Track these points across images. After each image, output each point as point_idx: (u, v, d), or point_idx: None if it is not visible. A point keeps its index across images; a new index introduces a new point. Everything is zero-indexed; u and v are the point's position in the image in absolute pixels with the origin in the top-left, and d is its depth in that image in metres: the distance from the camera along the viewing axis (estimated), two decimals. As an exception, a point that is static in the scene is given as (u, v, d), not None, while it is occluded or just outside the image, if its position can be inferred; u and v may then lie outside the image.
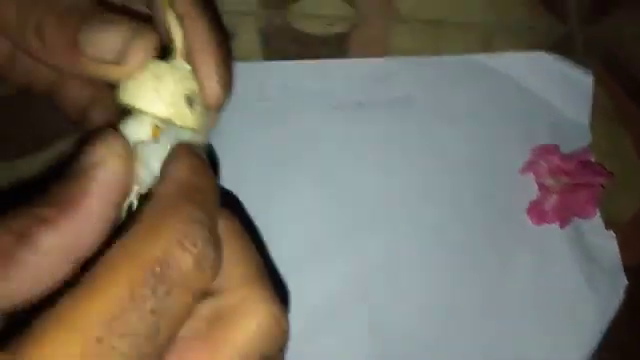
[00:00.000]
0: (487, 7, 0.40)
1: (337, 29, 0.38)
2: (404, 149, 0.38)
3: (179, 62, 0.20)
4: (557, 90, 0.38)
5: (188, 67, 0.20)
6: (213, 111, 0.22)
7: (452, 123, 0.38)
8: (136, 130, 0.19)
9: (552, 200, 0.36)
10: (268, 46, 0.38)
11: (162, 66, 0.20)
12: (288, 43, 0.38)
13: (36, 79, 0.26)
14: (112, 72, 0.19)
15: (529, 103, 0.39)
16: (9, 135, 0.35)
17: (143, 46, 0.19)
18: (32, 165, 0.35)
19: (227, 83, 0.22)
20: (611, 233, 0.37)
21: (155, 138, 0.19)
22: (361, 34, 0.38)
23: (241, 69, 0.37)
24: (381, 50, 0.38)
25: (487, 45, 0.39)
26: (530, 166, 0.37)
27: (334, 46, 0.38)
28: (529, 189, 0.37)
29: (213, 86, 0.21)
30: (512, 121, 0.38)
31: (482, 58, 0.39)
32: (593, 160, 0.38)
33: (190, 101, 0.20)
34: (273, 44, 0.38)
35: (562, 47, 0.40)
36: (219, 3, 0.38)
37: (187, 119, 0.20)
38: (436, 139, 0.38)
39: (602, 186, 0.36)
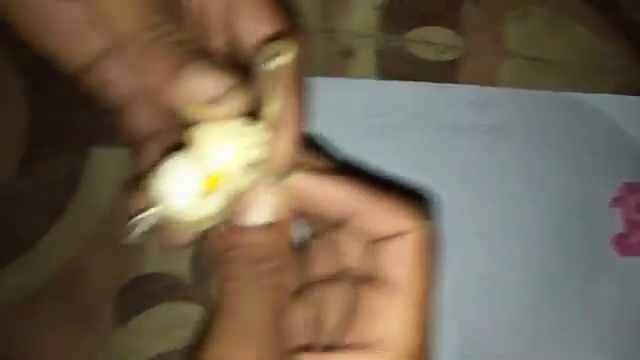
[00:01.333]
0: (585, 50, 0.43)
1: (448, 57, 0.42)
2: (498, 174, 0.41)
3: (260, 127, 0.21)
4: (646, 133, 0.41)
5: (266, 135, 0.21)
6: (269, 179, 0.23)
7: (545, 153, 0.41)
8: (183, 168, 0.21)
9: (638, 234, 0.39)
10: (383, 66, 0.42)
11: (243, 125, 0.21)
12: (402, 65, 0.42)
13: (112, 91, 0.27)
14: (198, 111, 0.20)
15: (618, 141, 0.42)
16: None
17: (236, 100, 0.20)
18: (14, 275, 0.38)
19: (293, 160, 0.23)
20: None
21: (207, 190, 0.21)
22: (469, 63, 0.42)
23: (356, 85, 0.41)
24: (487, 80, 0.42)
25: (582, 85, 0.42)
26: (617, 201, 0.40)
27: (444, 72, 0.42)
28: (616, 222, 0.40)
29: (282, 161, 0.23)
30: (602, 157, 0.41)
31: (578, 96, 0.42)
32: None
33: (249, 168, 0.21)
34: (388, 65, 0.42)
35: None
36: (340, 24, 0.42)
37: (236, 184, 0.21)
38: (529, 167, 0.41)
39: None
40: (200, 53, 0.21)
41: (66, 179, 0.40)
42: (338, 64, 0.41)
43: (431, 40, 0.42)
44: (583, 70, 0.43)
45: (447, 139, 0.41)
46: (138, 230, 0.21)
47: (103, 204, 0.39)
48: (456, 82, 0.42)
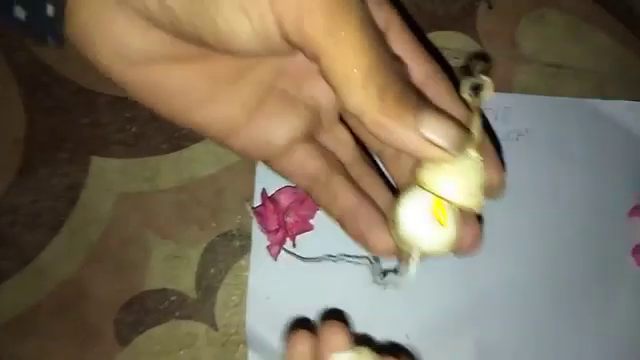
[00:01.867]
0: (602, 56, 0.42)
1: (462, 62, 0.40)
2: (516, 181, 0.40)
3: (473, 153, 0.21)
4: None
5: (481, 158, 0.22)
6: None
7: (563, 161, 0.40)
8: (416, 205, 0.22)
9: (658, 245, 0.38)
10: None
11: (462, 158, 0.21)
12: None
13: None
14: (428, 151, 0.20)
15: (636, 150, 0.40)
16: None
17: (465, 141, 0.21)
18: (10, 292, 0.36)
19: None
20: None
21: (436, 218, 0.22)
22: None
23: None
24: (503, 86, 0.40)
25: (600, 91, 0.41)
26: (636, 211, 0.39)
27: (458, 77, 0.40)
28: (634, 232, 0.39)
29: (499, 176, 0.24)
30: (620, 166, 0.40)
31: (596, 103, 0.41)
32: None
33: (482, 187, 0.22)
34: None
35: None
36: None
37: (476, 201, 0.21)
38: (547, 174, 0.40)
39: None
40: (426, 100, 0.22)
41: (65, 191, 0.38)
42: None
43: (446, 46, 0.40)
44: (601, 77, 0.41)
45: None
46: (411, 275, 0.22)
47: (104, 217, 0.37)
48: (471, 88, 0.40)
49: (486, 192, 0.22)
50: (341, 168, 0.26)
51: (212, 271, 0.38)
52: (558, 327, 0.38)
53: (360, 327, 0.37)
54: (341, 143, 0.27)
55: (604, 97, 0.41)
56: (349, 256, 0.36)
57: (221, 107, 0.24)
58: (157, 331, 0.37)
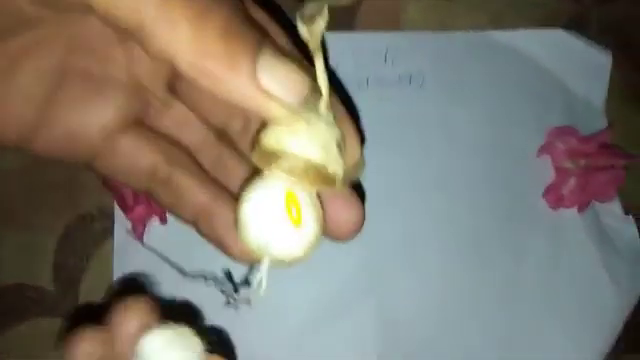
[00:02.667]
0: (499, -17, 0.38)
1: (344, 1, 0.36)
2: (412, 129, 0.36)
3: (323, 110, 0.17)
4: (573, 69, 0.37)
5: (332, 114, 0.17)
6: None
7: (463, 102, 0.36)
8: (262, 200, 0.17)
9: (570, 183, 0.34)
10: (269, 17, 0.36)
11: (309, 112, 0.17)
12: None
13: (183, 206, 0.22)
14: (270, 108, 0.16)
15: (543, 82, 0.37)
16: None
17: (309, 85, 0.16)
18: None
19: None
20: (630, 218, 0.35)
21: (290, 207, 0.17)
22: (369, 7, 0.36)
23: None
24: (390, 24, 0.36)
25: (497, 22, 0.37)
26: (546, 148, 0.35)
27: (341, 18, 0.36)
28: (545, 172, 0.35)
29: (355, 144, 0.19)
30: (526, 101, 0.36)
31: (495, 35, 0.37)
32: (611, 142, 0.36)
33: (340, 148, 0.17)
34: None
35: (575, 27, 0.38)
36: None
37: (339, 166, 0.17)
38: (447, 119, 0.36)
39: (624, 168, 0.34)
40: (268, 39, 0.17)
41: None
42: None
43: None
44: (497, 6, 0.37)
45: (351, 95, 0.36)
46: (260, 289, 0.18)
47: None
48: (354, 29, 0.36)
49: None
50: (186, 157, 0.21)
51: (71, 260, 0.33)
52: (467, 281, 0.34)
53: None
54: (183, 123, 0.22)
55: (502, 28, 0.37)
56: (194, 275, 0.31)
57: None
58: (16, 332, 0.32)
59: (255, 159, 0.17)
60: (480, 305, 0.34)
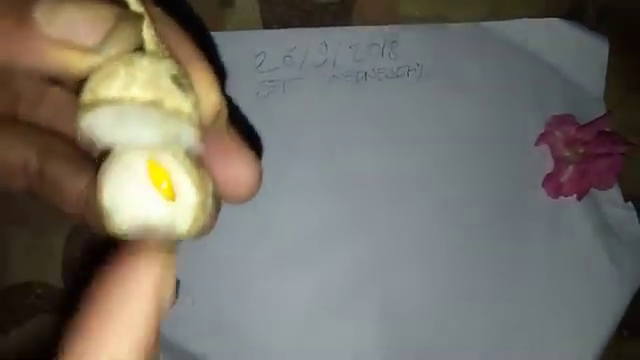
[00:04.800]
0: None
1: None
2: (411, 122, 0.36)
3: (149, 43, 0.14)
4: (571, 58, 0.37)
5: (167, 55, 0.14)
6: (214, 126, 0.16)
7: (463, 94, 0.36)
8: (124, 174, 0.14)
9: (569, 171, 0.35)
10: (267, 13, 0.36)
11: (134, 54, 0.14)
12: (289, 10, 0.36)
13: None
14: (69, 59, 0.13)
15: (542, 72, 0.37)
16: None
17: (128, 33, 0.14)
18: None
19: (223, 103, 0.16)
20: (630, 204, 0.35)
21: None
22: (366, 1, 0.36)
23: (239, 38, 0.35)
24: (387, 17, 0.36)
25: (496, 12, 0.37)
26: (545, 137, 0.36)
27: (338, 13, 0.36)
28: (544, 161, 0.36)
29: (207, 80, 0.15)
30: (525, 91, 0.37)
31: (493, 25, 0.37)
32: (609, 129, 0.36)
33: (177, 81, 0.14)
34: (273, 11, 0.36)
35: (574, 15, 0.38)
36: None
37: (179, 100, 0.14)
38: (446, 111, 0.36)
39: (622, 155, 0.34)
40: None
41: None
42: (216, 16, 0.35)
43: (318, -21, 0.36)
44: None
45: (348, 88, 0.36)
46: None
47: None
48: (352, 24, 0.36)
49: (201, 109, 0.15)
50: (63, 146, 0.19)
51: (79, 258, 0.34)
52: (468, 273, 0.35)
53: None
54: (59, 110, 0.19)
55: (501, 18, 0.37)
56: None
57: None
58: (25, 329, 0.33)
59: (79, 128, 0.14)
60: (483, 294, 0.35)
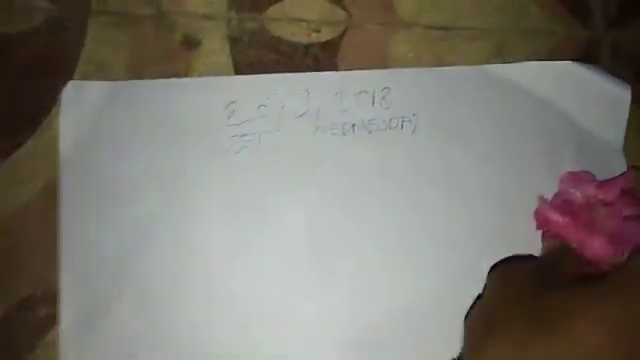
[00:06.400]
0: (499, 9, 0.33)
1: (324, 36, 0.32)
2: (406, 181, 0.31)
3: None
4: (587, 106, 0.32)
5: None
6: None
7: (463, 147, 0.32)
8: None
9: (596, 240, 0.30)
10: (240, 57, 0.31)
11: None
12: (264, 53, 0.31)
13: None
14: None
15: (553, 121, 0.32)
16: None
17: None
18: None
19: None
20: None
21: None
22: (353, 42, 0.32)
23: (208, 85, 0.31)
24: (377, 61, 0.32)
25: (500, 53, 0.33)
26: (560, 199, 0.31)
27: (320, 56, 0.31)
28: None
29: None
30: (533, 143, 0.32)
31: (497, 68, 0.33)
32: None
33: None
34: (246, 54, 0.31)
35: (587, 56, 0.34)
36: (178, 4, 0.31)
37: None
38: (445, 168, 0.31)
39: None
40: None
41: None
42: (179, 58, 0.31)
43: (300, 16, 0.32)
44: (499, 36, 0.33)
45: (333, 142, 0.31)
46: None
47: None
48: (337, 68, 0.32)
49: None
50: None
51: (13, 352, 0.28)
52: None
53: None
54: None
55: (505, 60, 0.33)
56: None
57: None
58: None
59: None
60: None
